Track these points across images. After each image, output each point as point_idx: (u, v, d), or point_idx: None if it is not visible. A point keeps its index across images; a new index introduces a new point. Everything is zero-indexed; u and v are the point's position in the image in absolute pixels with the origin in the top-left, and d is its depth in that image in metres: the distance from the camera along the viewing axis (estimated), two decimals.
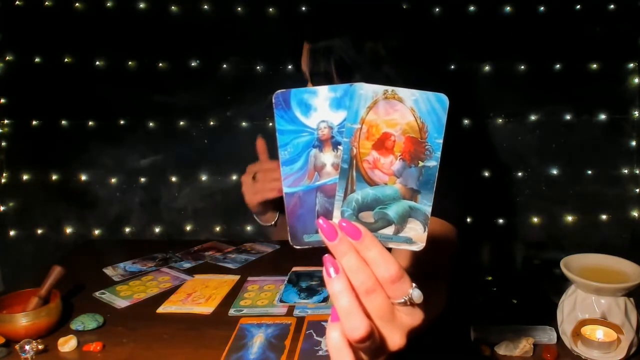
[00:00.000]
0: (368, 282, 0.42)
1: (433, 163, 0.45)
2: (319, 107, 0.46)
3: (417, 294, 0.44)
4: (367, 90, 0.44)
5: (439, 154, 0.45)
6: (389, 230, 0.46)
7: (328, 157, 0.47)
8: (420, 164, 0.45)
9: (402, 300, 0.43)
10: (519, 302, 1.01)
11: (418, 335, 0.47)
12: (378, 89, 0.44)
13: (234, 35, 1.69)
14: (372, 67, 1.01)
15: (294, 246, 0.48)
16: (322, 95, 0.46)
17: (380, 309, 0.43)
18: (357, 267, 0.43)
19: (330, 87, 0.45)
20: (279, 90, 0.46)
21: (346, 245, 0.43)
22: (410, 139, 0.45)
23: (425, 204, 0.46)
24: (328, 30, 1.04)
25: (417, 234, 0.47)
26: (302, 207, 0.47)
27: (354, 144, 0.45)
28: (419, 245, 0.47)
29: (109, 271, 1.21)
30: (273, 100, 0.45)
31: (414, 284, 0.44)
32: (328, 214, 0.46)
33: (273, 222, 1.33)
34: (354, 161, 0.45)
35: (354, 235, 0.43)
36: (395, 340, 0.44)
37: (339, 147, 0.46)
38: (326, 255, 0.44)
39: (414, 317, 0.45)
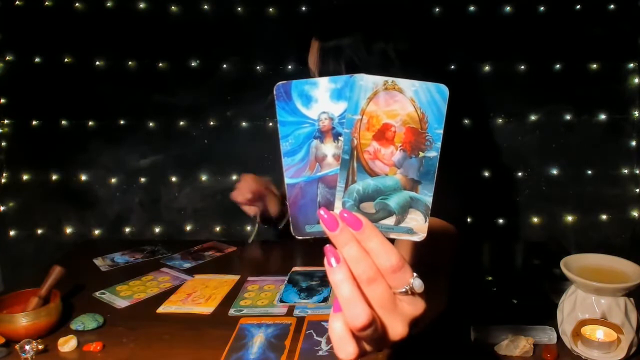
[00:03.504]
0: (369, 272, 0.42)
1: (433, 153, 0.45)
2: (320, 98, 0.46)
3: (418, 283, 0.43)
4: (367, 82, 0.44)
5: (439, 144, 0.45)
6: (390, 221, 0.46)
7: (329, 148, 0.46)
8: (421, 154, 0.45)
9: (404, 290, 0.43)
10: (519, 302, 1.01)
11: (420, 331, 0.47)
12: (378, 80, 0.44)
13: (234, 35, 1.70)
14: (381, 69, 1.00)
15: (296, 236, 0.48)
16: (322, 87, 0.46)
17: (382, 298, 0.43)
18: (358, 257, 0.42)
19: (331, 78, 0.45)
20: (280, 82, 0.46)
21: (347, 236, 0.43)
22: (410, 130, 0.45)
23: (426, 195, 0.46)
24: (338, 29, 1.03)
25: (418, 225, 0.46)
26: (303, 198, 0.47)
27: (355, 135, 0.45)
28: (420, 236, 0.47)
29: (98, 261, 1.23)
30: (274, 92, 0.46)
31: (414, 274, 0.44)
32: (329, 205, 0.46)
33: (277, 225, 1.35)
34: (355, 152, 0.45)
35: (355, 226, 0.43)
36: (397, 329, 0.44)
37: (340, 138, 0.46)
38: (327, 245, 0.44)
39: (415, 307, 0.44)
